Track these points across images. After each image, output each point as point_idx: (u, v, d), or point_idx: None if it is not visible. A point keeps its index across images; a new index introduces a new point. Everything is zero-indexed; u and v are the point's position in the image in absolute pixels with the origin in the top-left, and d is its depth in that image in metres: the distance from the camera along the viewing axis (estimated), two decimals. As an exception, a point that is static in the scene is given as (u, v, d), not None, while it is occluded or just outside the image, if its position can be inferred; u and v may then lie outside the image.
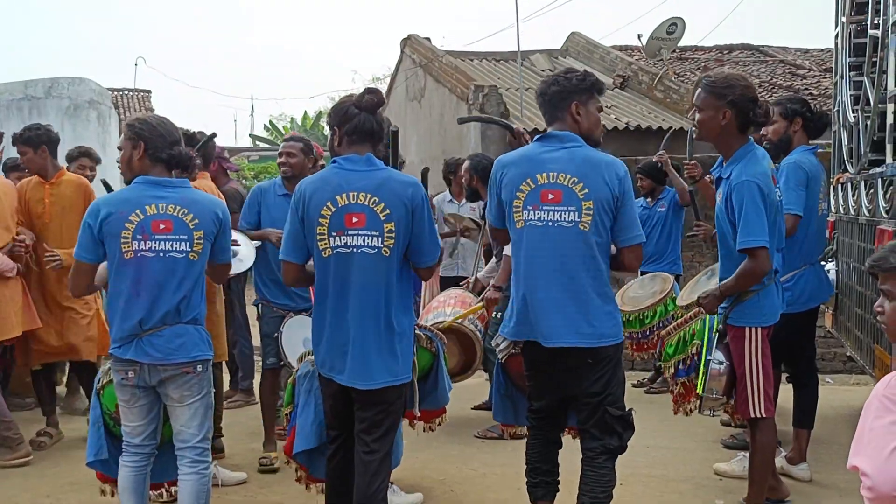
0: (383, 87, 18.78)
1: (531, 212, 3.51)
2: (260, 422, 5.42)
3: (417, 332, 3.94)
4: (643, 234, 3.64)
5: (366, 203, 3.32)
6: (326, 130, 3.91)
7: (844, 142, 6.15)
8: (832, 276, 6.01)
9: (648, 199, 7.18)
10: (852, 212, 5.70)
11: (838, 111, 6.24)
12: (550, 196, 3.48)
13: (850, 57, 6.15)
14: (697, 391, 4.30)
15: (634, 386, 7.22)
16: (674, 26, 14.74)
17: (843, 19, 6.27)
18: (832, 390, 7.18)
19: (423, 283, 6.18)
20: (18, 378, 6.49)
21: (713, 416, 4.49)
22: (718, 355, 4.06)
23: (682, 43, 15.87)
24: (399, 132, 3.94)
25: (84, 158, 6.63)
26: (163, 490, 4.18)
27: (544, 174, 3.50)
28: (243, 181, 16.00)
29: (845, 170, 6.13)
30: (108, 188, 5.89)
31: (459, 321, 5.37)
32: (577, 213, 3.46)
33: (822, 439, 5.34)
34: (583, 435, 3.67)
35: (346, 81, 72.19)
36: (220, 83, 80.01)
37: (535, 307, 3.53)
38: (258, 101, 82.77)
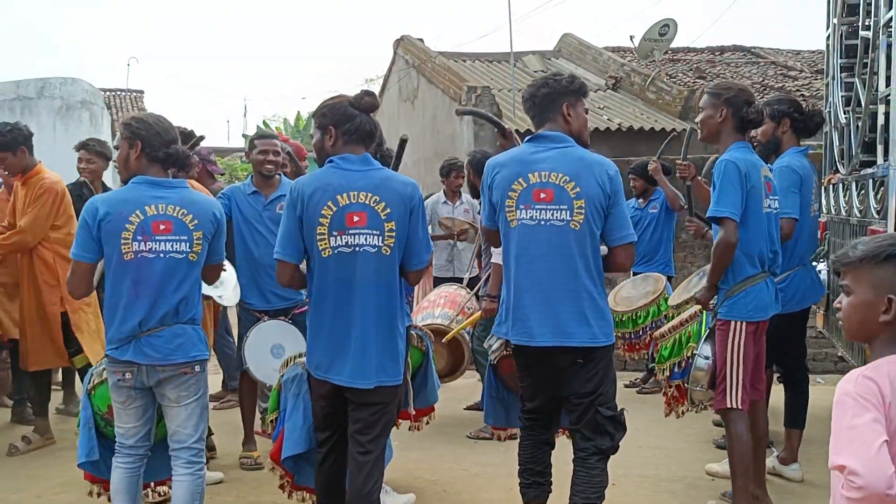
0: (376, 88, 18.78)
1: (523, 210, 3.52)
2: (253, 422, 5.43)
3: (409, 331, 3.94)
4: (635, 234, 3.65)
5: (367, 202, 3.33)
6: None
7: (836, 143, 6.16)
8: (823, 276, 6.02)
9: (640, 200, 7.19)
10: (843, 212, 5.71)
11: (830, 112, 6.26)
12: (542, 195, 3.49)
13: (841, 58, 6.17)
14: (674, 389, 4.42)
15: (626, 386, 7.23)
16: (666, 28, 14.79)
17: (835, 21, 6.28)
18: (823, 390, 7.19)
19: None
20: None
21: (703, 408, 4.52)
22: (706, 349, 4.22)
23: (674, 44, 15.92)
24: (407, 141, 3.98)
25: (82, 151, 6.28)
26: (148, 490, 4.16)
27: (536, 173, 3.51)
28: (236, 182, 15.92)
29: (837, 170, 6.15)
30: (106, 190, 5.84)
31: (440, 322, 5.38)
32: (568, 212, 3.47)
33: (813, 439, 5.35)
34: (574, 435, 3.67)
35: (339, 82, 72.20)
36: (213, 84, 79.91)
37: (527, 307, 3.53)
38: (251, 101, 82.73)
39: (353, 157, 3.40)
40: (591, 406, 3.55)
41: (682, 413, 4.76)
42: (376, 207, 3.33)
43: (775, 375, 5.28)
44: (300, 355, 3.97)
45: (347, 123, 3.41)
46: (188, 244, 3.52)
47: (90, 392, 3.90)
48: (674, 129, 12.26)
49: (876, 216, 4.76)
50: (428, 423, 4.76)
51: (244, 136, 29.85)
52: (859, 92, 5.40)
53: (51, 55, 70.57)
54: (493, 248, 5.47)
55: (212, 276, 3.87)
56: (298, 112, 29.15)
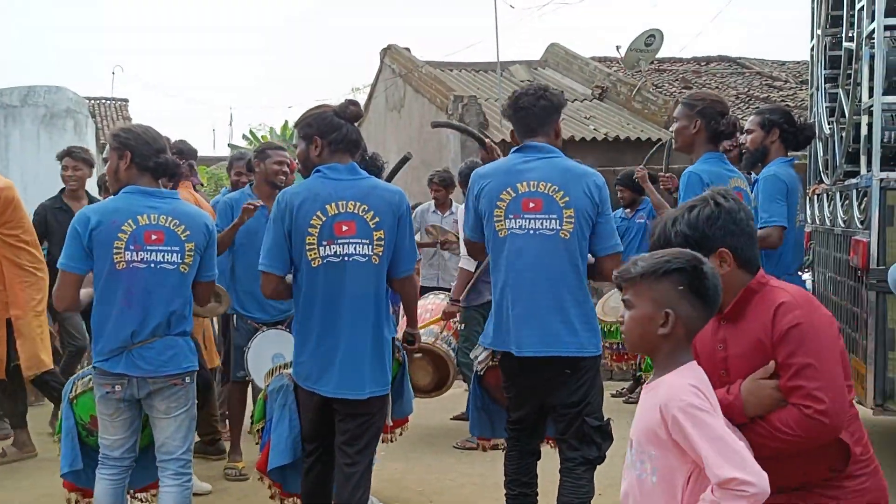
0: (363, 97, 18.79)
1: (512, 220, 3.51)
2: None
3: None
4: (621, 244, 3.67)
5: (355, 211, 3.34)
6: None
7: (820, 153, 6.20)
8: (808, 286, 6.05)
9: (627, 210, 7.21)
10: (828, 222, 5.74)
11: (814, 123, 6.30)
12: (531, 204, 3.49)
13: (825, 69, 6.22)
14: None
15: (613, 396, 7.23)
16: (652, 38, 14.85)
17: (819, 32, 6.33)
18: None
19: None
20: None
21: None
22: None
23: (660, 55, 15.98)
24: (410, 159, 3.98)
25: (66, 159, 6.10)
26: (127, 497, 4.13)
27: (524, 183, 3.51)
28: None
29: (821, 181, 6.18)
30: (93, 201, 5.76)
31: (425, 340, 5.37)
32: (558, 221, 3.48)
33: (799, 449, 5.36)
34: (561, 445, 3.66)
35: (325, 91, 72.22)
36: (198, 92, 79.81)
37: (516, 316, 3.52)
38: (237, 110, 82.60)
39: (340, 166, 3.41)
40: (578, 416, 3.55)
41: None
42: (365, 216, 3.34)
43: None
44: (285, 365, 3.95)
45: (334, 133, 3.41)
46: (180, 255, 3.50)
47: (72, 401, 3.86)
48: (660, 139, 12.31)
49: (859, 226, 4.79)
50: (401, 433, 4.75)
51: (230, 145, 29.79)
52: (843, 103, 5.44)
53: (35, 63, 70.33)
54: (462, 254, 5.49)
55: (204, 295, 3.81)
56: (286, 121, 29.11)
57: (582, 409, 3.54)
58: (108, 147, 3.71)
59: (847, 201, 5.21)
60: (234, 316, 5.18)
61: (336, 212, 3.32)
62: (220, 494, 4.95)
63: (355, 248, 3.33)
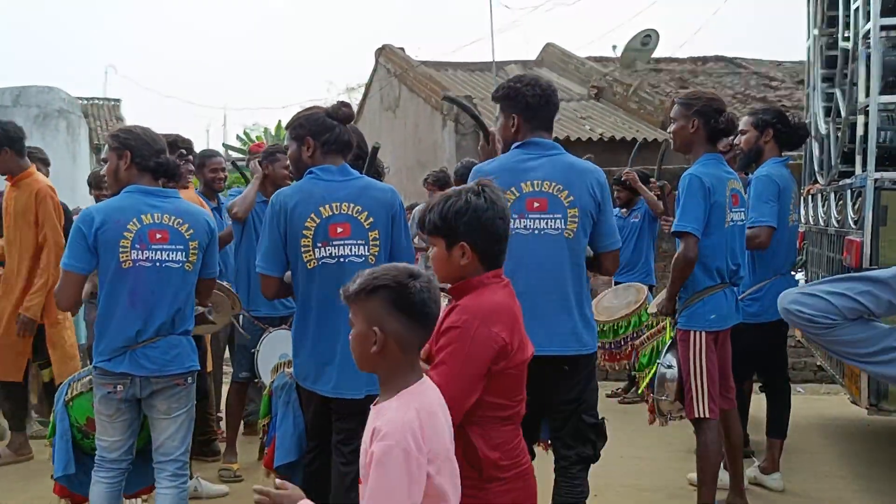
0: (357, 97, 18.77)
1: (517, 220, 3.46)
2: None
3: None
4: (620, 240, 3.69)
5: (349, 213, 3.35)
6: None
7: (816, 153, 6.20)
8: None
9: (623, 210, 7.21)
10: (822, 222, 5.74)
11: (810, 122, 6.30)
12: (536, 204, 3.47)
13: (821, 69, 6.22)
14: (650, 394, 4.44)
15: (608, 396, 7.23)
16: (648, 38, 14.87)
17: (815, 32, 6.33)
18: (804, 399, 7.22)
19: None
20: None
21: (672, 419, 4.53)
22: (668, 358, 4.27)
23: (656, 54, 16.01)
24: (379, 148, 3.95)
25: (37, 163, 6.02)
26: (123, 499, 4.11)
27: (528, 182, 3.49)
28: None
29: (816, 181, 6.18)
30: None
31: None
32: (562, 221, 3.47)
33: (794, 449, 5.36)
34: (556, 444, 3.65)
35: (320, 91, 72.18)
36: (192, 93, 79.72)
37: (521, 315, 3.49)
38: (231, 110, 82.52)
39: (332, 167, 3.41)
40: (574, 413, 3.54)
41: (664, 423, 4.76)
42: (359, 217, 3.35)
43: (756, 385, 5.29)
44: (288, 364, 3.96)
45: (326, 134, 3.41)
46: (184, 253, 3.50)
47: (68, 403, 3.83)
48: (655, 139, 12.31)
49: (853, 226, 4.79)
50: None
51: (224, 145, 29.75)
52: (839, 102, 5.43)
53: (27, 63, 70.14)
54: None
55: (205, 292, 3.81)
56: (279, 121, 29.09)
57: (579, 406, 3.54)
58: (105, 147, 3.70)
59: (841, 201, 5.21)
60: (241, 316, 5.20)
61: (330, 213, 3.33)
62: (216, 496, 4.93)
63: (351, 249, 3.34)
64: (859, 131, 4.81)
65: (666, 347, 4.39)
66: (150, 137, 3.59)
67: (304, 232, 3.31)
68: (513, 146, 3.63)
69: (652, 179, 5.28)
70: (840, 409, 6.62)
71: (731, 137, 4.45)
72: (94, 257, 3.44)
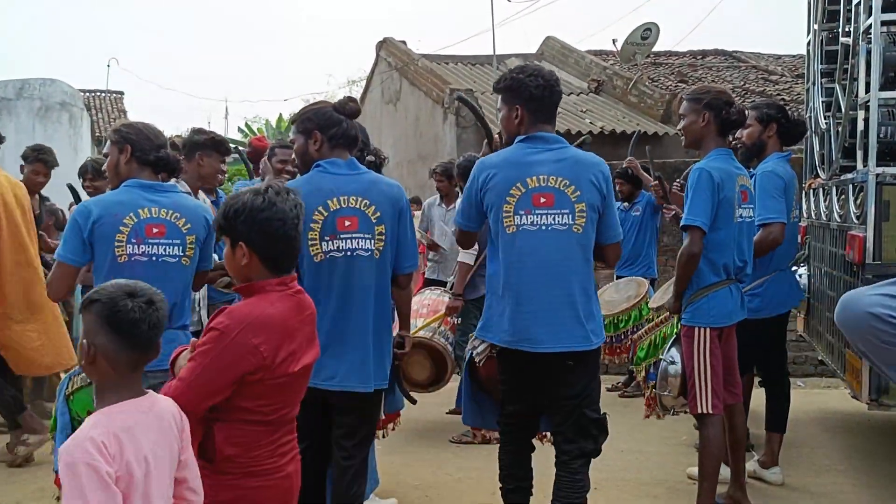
0: (358, 90, 18.76)
1: (524, 216, 3.45)
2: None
3: None
4: (622, 232, 3.70)
5: (357, 206, 3.35)
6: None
7: (816, 148, 6.20)
8: (804, 280, 6.06)
9: (625, 204, 7.21)
10: (824, 217, 5.75)
11: (810, 117, 6.30)
12: (542, 199, 3.45)
13: (821, 64, 6.21)
14: (652, 389, 4.45)
15: (609, 390, 7.23)
16: (648, 31, 14.84)
17: (815, 26, 6.33)
18: (804, 394, 7.24)
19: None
20: None
21: (675, 414, 4.55)
22: (672, 354, 4.27)
23: (656, 48, 15.98)
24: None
25: (39, 164, 6.06)
26: None
27: (534, 178, 3.46)
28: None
29: (817, 175, 6.18)
30: (75, 194, 5.72)
31: (422, 335, 5.37)
32: (570, 216, 3.45)
33: (794, 443, 5.38)
34: (557, 438, 3.65)
35: (321, 84, 72.09)
36: (193, 85, 79.49)
37: (529, 312, 3.47)
38: (232, 103, 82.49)
39: (340, 161, 3.41)
40: (577, 408, 3.54)
41: (662, 415, 4.77)
42: (367, 211, 3.35)
43: (756, 379, 5.31)
44: None
45: (334, 128, 3.41)
46: (181, 248, 3.50)
47: (69, 397, 3.84)
48: (655, 133, 12.31)
49: (855, 221, 4.80)
50: (394, 428, 4.72)
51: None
52: (839, 97, 5.43)
53: (29, 56, 69.99)
54: (460, 248, 5.46)
55: (198, 283, 3.82)
56: (280, 114, 29.09)
57: (582, 400, 3.54)
58: (108, 141, 3.70)
59: (843, 196, 5.21)
60: None
61: (338, 207, 3.33)
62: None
63: (358, 243, 3.34)
64: (860, 126, 4.81)
65: (669, 342, 4.39)
66: (151, 132, 3.60)
67: (312, 225, 3.29)
68: (516, 140, 3.61)
69: (653, 182, 5.29)
70: (840, 403, 6.64)
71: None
72: (89, 250, 3.44)
